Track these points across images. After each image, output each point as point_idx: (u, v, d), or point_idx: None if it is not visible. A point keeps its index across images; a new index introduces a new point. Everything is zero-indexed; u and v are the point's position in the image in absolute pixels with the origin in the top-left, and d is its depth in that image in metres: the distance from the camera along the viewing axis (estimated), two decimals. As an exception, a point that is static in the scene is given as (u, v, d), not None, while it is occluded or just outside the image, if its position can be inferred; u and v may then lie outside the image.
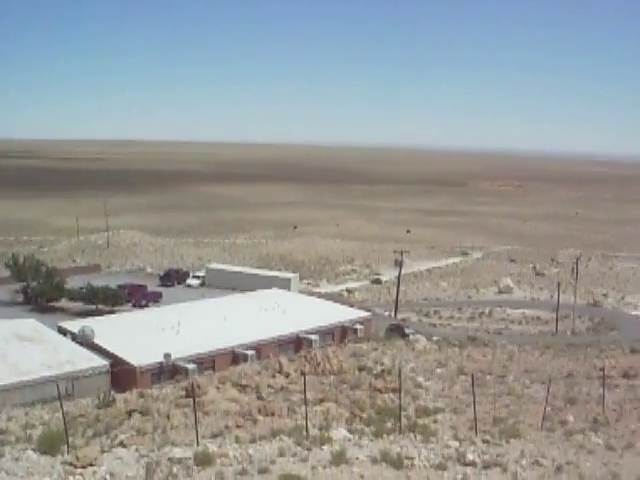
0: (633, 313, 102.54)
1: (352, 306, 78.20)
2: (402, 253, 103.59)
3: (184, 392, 34.21)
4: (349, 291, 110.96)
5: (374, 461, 18.93)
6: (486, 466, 19.54)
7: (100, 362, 47.19)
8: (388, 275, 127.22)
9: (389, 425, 24.26)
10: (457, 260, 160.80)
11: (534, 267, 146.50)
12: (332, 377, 37.67)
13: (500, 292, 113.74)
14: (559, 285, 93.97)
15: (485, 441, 22.81)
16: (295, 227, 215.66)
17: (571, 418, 27.62)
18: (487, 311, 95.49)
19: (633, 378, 43.54)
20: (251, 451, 19.45)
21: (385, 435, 22.34)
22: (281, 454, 19.07)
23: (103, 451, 19.83)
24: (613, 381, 39.83)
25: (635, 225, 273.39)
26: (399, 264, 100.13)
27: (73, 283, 76.55)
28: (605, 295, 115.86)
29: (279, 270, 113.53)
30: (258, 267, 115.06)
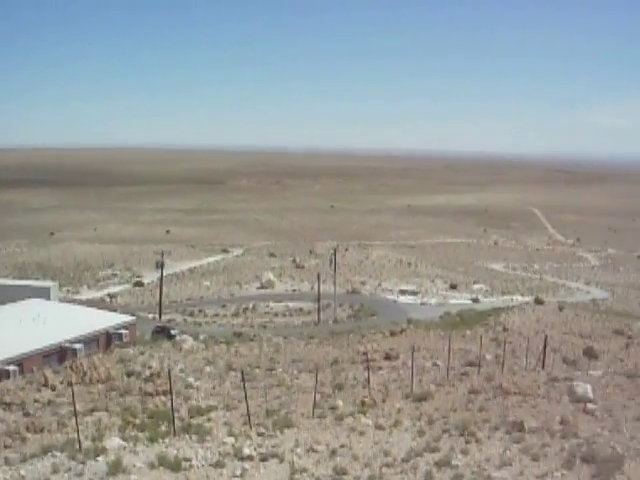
0: (390, 298, 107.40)
1: (115, 311, 76.36)
2: (163, 254, 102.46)
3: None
4: (111, 296, 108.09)
5: (152, 466, 18.45)
6: (263, 458, 19.62)
7: None
8: (150, 277, 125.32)
9: (163, 428, 23.76)
10: (218, 258, 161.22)
11: (294, 260, 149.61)
12: (100, 385, 36.47)
13: (262, 287, 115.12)
14: (319, 276, 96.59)
15: (260, 434, 22.90)
16: (52, 233, 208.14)
17: (340, 403, 28.29)
18: (251, 306, 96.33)
19: (395, 359, 45.50)
20: (23, 471, 18.26)
21: (160, 439, 21.84)
22: (55, 471, 18.06)
23: None
24: (376, 364, 41.39)
25: (385, 214, 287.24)
26: (160, 265, 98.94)
27: None
28: (363, 283, 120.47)
29: (37, 279, 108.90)
30: (14, 277, 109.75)
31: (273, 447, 20.99)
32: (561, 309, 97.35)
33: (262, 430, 23.37)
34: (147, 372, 39.95)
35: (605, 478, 17.08)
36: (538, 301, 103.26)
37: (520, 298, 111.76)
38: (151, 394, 32.12)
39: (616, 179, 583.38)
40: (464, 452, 20.23)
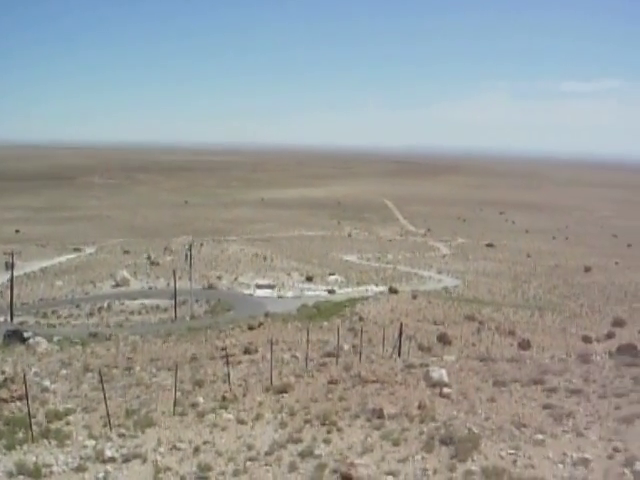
0: (247, 292, 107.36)
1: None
2: (12, 254, 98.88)
3: None
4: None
5: (10, 475, 17.87)
6: (126, 460, 19.34)
7: None
8: (0, 279, 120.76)
9: (20, 435, 22.99)
10: (71, 256, 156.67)
11: (149, 257, 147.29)
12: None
13: (117, 285, 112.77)
14: (175, 272, 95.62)
15: (121, 435, 22.52)
16: None
17: (201, 399, 28.12)
18: (106, 305, 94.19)
19: (254, 353, 45.59)
20: None
21: (18, 446, 21.15)
22: None
23: None
24: (236, 358, 41.33)
25: (240, 208, 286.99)
26: (10, 266, 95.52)
27: None
28: (219, 277, 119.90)
29: None
30: None
31: (135, 447, 20.72)
32: (415, 297, 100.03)
33: (123, 431, 22.99)
34: (0, 377, 38.53)
35: (463, 458, 17.74)
36: (392, 290, 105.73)
37: (375, 288, 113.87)
38: (5, 400, 30.96)
39: (465, 171, 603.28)
40: (326, 441, 20.54)
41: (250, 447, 20.68)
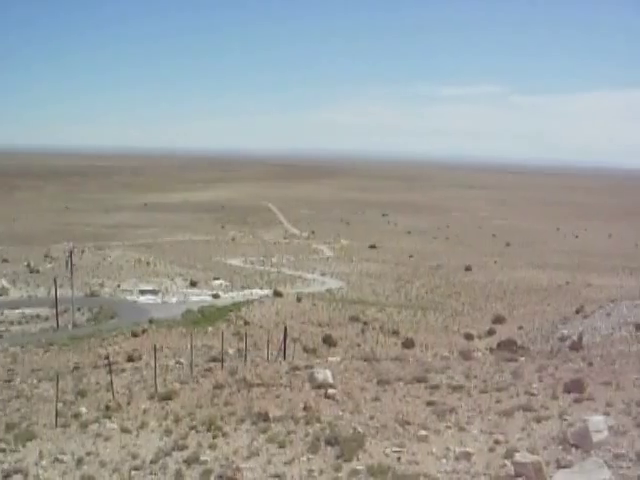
0: (130, 299, 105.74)
1: None
2: None
3: None
4: None
5: None
6: (7, 475, 18.73)
7: None
8: None
9: None
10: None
11: (28, 265, 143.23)
12: None
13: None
14: (55, 280, 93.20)
15: (1, 450, 21.82)
16: None
17: (84, 409, 27.52)
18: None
19: (138, 360, 45.01)
20: None
21: None
22: None
23: None
24: (120, 366, 40.72)
25: (122, 214, 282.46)
26: None
27: None
28: (102, 284, 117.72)
29: None
30: None
31: (16, 462, 20.08)
32: (299, 300, 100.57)
33: (3, 446, 22.25)
34: None
35: (348, 457, 17.93)
36: (277, 294, 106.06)
37: (260, 291, 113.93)
38: None
39: (348, 174, 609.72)
40: (212, 447, 20.42)
41: (135, 456, 20.35)
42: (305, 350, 57.60)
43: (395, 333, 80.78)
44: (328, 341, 68.68)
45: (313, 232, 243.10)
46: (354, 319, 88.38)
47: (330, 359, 39.43)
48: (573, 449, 17.70)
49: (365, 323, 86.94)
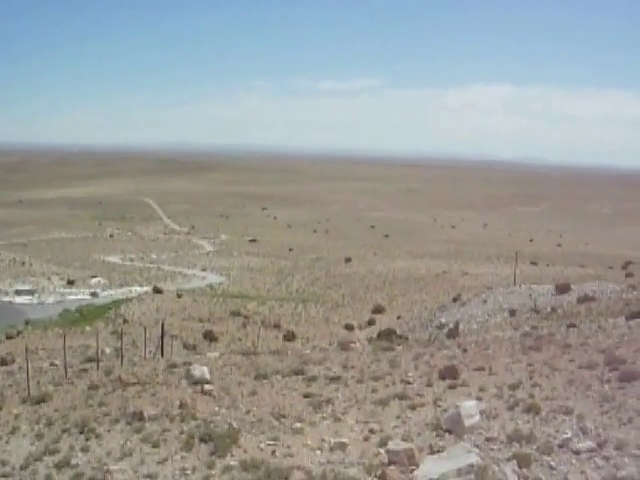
0: (5, 299, 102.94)
1: None
2: None
3: None
4: None
5: None
6: None
7: None
8: None
9: None
10: None
11: None
12: None
13: None
14: None
15: None
16: None
17: (-49, 417, 26.50)
18: None
19: (11, 363, 43.60)
20: None
21: None
22: None
23: None
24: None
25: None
26: None
27: None
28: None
29: None
30: None
31: None
32: (179, 296, 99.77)
33: None
34: None
35: (222, 454, 17.78)
36: (157, 290, 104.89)
37: (139, 289, 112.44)
38: None
39: (226, 168, 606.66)
40: (84, 449, 19.93)
41: (4, 463, 19.68)
42: (185, 347, 57.12)
43: (276, 326, 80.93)
44: (209, 337, 68.33)
45: (193, 227, 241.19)
46: (235, 314, 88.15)
47: (209, 355, 39.18)
48: (446, 434, 18.06)
49: (246, 317, 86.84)
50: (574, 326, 49.11)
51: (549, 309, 71.77)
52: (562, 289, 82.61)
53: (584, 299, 73.35)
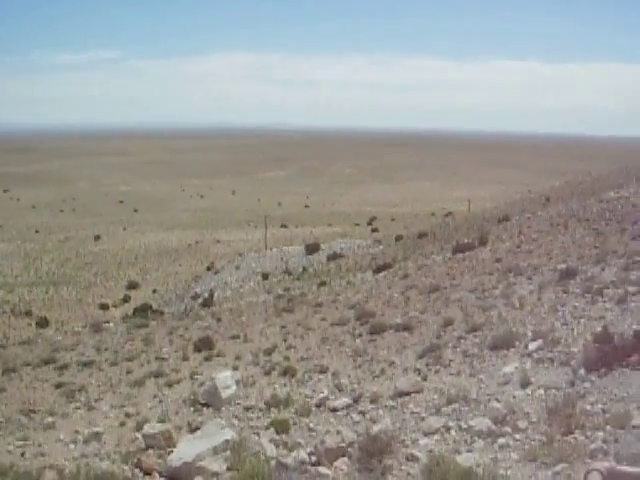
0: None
1: None
2: None
3: None
4: None
5: None
6: None
7: None
8: None
9: None
10: None
11: None
12: None
13: None
14: None
15: None
16: None
17: None
18: None
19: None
20: None
21: None
22: None
23: None
24: None
25: None
26: None
27: None
28: None
29: None
30: None
31: None
32: None
33: None
34: None
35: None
36: None
37: None
38: None
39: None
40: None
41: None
42: None
43: (28, 314, 77.27)
44: None
45: None
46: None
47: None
48: (204, 409, 17.90)
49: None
50: (325, 284, 50.83)
51: (300, 269, 73.86)
52: (312, 249, 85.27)
53: (333, 256, 76.15)
